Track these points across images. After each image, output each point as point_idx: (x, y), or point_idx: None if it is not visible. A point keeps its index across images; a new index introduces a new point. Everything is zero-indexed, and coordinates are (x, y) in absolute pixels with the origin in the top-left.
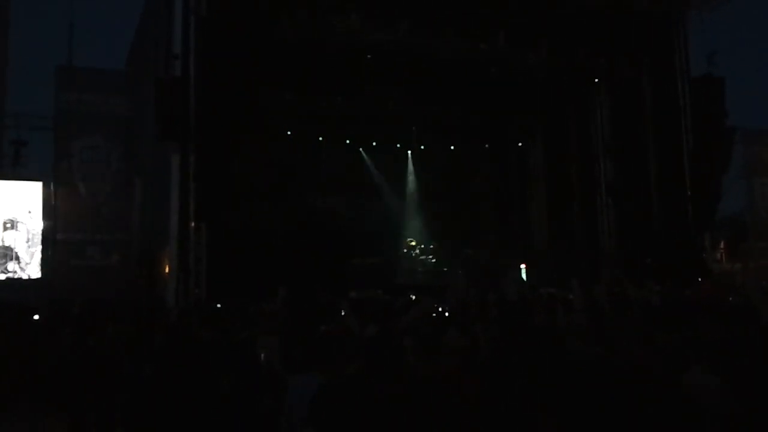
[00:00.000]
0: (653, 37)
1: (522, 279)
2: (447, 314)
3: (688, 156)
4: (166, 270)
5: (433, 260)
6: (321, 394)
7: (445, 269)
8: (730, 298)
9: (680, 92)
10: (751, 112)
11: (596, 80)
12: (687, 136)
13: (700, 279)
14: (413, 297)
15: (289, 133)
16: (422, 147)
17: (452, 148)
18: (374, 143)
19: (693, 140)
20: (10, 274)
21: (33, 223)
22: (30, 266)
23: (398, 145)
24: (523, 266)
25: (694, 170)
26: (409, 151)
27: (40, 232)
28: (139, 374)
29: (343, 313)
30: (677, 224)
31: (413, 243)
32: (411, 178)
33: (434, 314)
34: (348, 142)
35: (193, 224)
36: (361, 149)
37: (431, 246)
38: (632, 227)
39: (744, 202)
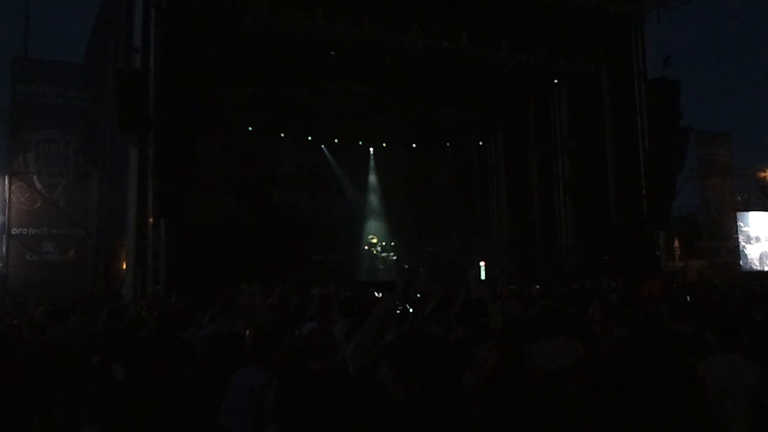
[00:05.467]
0: (612, 38)
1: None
2: (411, 310)
3: (643, 156)
4: (123, 266)
5: (395, 257)
6: (286, 391)
7: (407, 266)
8: (687, 297)
9: (637, 93)
10: (705, 114)
11: (555, 81)
12: (643, 136)
13: (650, 276)
14: (377, 294)
15: (250, 128)
16: (384, 144)
17: (414, 145)
18: (336, 140)
19: (648, 141)
20: None
21: None
22: None
23: (360, 142)
24: (482, 263)
25: (650, 170)
26: (371, 148)
27: None
28: (108, 369)
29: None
30: (633, 222)
31: (374, 240)
32: (372, 175)
33: (398, 311)
34: (310, 138)
35: (151, 219)
36: (322, 146)
37: (392, 243)
38: (589, 225)
39: (697, 202)
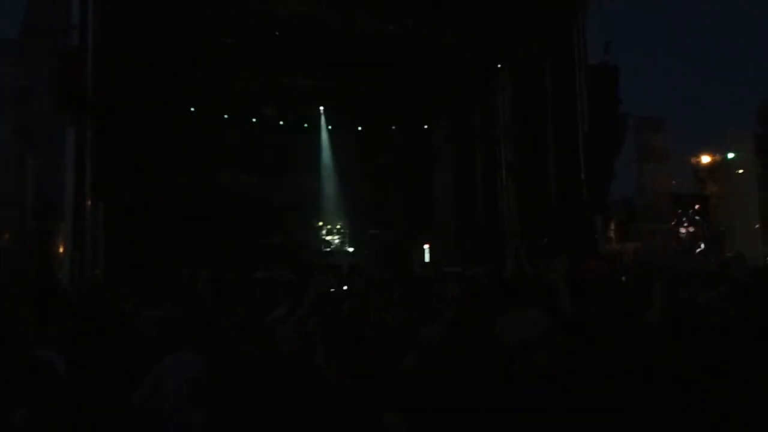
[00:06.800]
0: (554, 24)
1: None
2: (345, 288)
3: (583, 141)
4: (61, 250)
5: (340, 240)
6: (210, 373)
7: (352, 249)
8: (623, 278)
9: (577, 79)
10: (643, 100)
11: (499, 65)
12: (583, 121)
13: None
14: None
15: (193, 108)
16: (330, 127)
17: (359, 128)
18: (281, 122)
19: (588, 126)
20: None
21: None
22: None
23: (305, 125)
24: (426, 246)
25: (589, 154)
26: (317, 130)
27: None
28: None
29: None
30: (572, 206)
31: (320, 223)
32: (318, 157)
33: (332, 290)
34: (254, 120)
35: (89, 201)
36: (267, 127)
37: (338, 226)
38: (530, 208)
39: (634, 186)
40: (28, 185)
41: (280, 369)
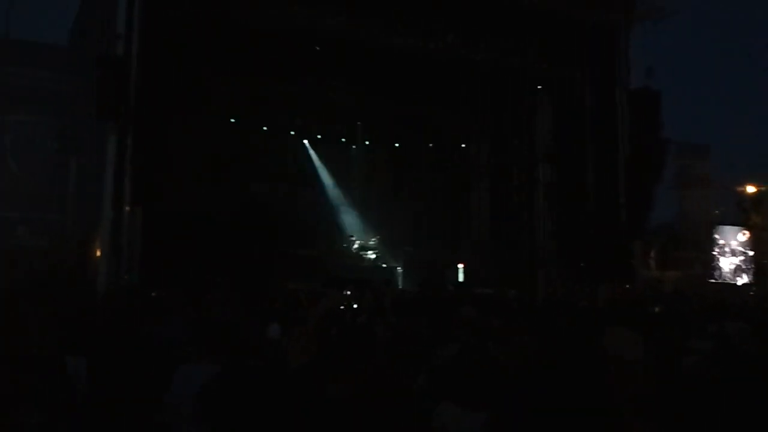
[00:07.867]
0: (597, 47)
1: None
2: (356, 306)
3: (623, 165)
4: (98, 253)
5: (373, 256)
6: (216, 383)
7: (385, 265)
8: (656, 309)
9: (618, 102)
10: (687, 126)
11: (539, 86)
12: (623, 145)
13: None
14: (348, 292)
15: (233, 120)
16: (367, 142)
17: (396, 145)
18: (319, 135)
19: (629, 150)
20: None
21: None
22: None
23: (343, 139)
24: (461, 265)
25: (629, 179)
26: (354, 146)
27: None
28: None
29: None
30: (610, 230)
31: (354, 237)
32: (354, 172)
33: (342, 307)
34: (293, 133)
35: (128, 207)
36: (305, 141)
37: (371, 241)
38: (568, 231)
39: (675, 213)
40: (70, 189)
41: (285, 384)
